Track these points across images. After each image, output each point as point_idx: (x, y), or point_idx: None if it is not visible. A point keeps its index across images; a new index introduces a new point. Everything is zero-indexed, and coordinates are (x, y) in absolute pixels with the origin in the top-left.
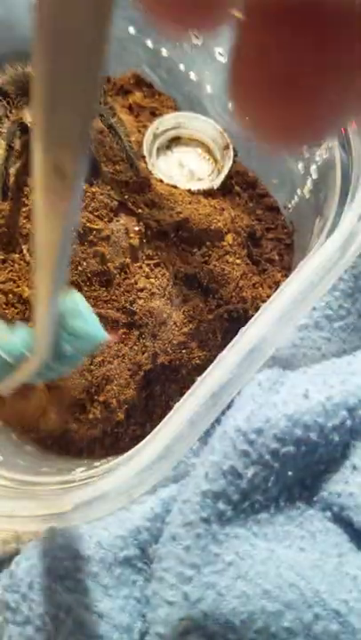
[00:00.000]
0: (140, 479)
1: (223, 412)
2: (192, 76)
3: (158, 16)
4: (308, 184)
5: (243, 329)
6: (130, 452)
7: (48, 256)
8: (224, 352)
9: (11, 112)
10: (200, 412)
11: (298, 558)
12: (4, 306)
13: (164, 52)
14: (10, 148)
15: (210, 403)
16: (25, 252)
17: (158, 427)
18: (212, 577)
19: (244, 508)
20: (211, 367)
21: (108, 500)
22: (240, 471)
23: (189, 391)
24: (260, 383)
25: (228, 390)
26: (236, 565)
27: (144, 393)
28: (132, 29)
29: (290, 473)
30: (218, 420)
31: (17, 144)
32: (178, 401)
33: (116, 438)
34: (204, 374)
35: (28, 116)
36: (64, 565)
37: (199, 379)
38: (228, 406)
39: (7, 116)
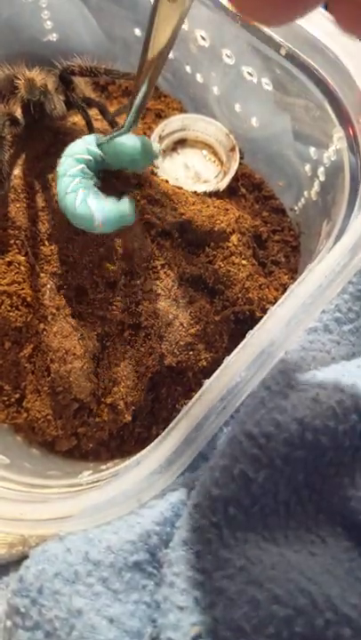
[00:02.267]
0: (149, 483)
1: (232, 416)
2: (198, 77)
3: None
4: (316, 186)
5: (251, 331)
6: (137, 457)
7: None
8: (232, 355)
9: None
10: (209, 415)
11: (309, 563)
12: (9, 308)
13: (171, 54)
14: (1, 137)
15: (219, 406)
16: (30, 254)
17: (166, 430)
18: (223, 582)
19: (254, 512)
20: (219, 370)
21: (117, 503)
22: (250, 475)
23: (197, 395)
24: (270, 387)
25: (237, 394)
26: (247, 570)
27: (150, 395)
28: (137, 31)
29: (300, 477)
30: (227, 424)
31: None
32: (184, 403)
33: (121, 441)
34: (212, 377)
35: (18, 111)
36: (74, 570)
37: (207, 382)
38: (238, 410)
39: None
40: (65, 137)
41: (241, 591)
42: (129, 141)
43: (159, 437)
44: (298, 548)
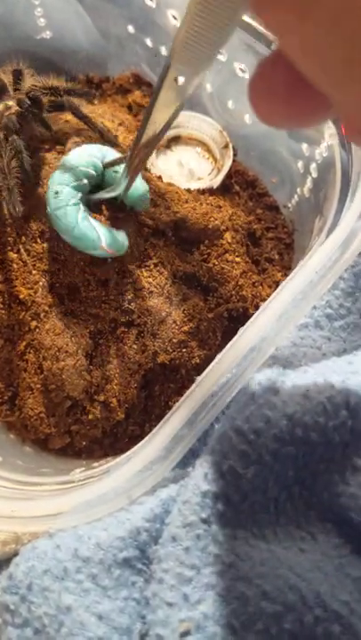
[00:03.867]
0: (139, 479)
1: (223, 412)
2: None
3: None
4: (308, 183)
5: (242, 328)
6: (128, 453)
7: (156, 131)
8: (223, 351)
9: None
10: (199, 412)
11: (298, 559)
12: (1, 306)
13: (164, 50)
14: None
15: (209, 403)
16: (22, 251)
17: (157, 427)
18: (212, 578)
19: (243, 508)
20: (210, 366)
21: (108, 500)
22: (240, 471)
23: (188, 391)
24: (260, 383)
25: (227, 390)
26: (236, 566)
27: (143, 393)
28: (131, 28)
29: (290, 473)
30: (217, 420)
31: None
32: (177, 401)
33: (115, 438)
34: (203, 373)
35: None
36: (63, 566)
37: (198, 378)
38: (228, 406)
39: None
40: (57, 133)
41: (230, 587)
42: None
43: (150, 434)
44: (288, 544)
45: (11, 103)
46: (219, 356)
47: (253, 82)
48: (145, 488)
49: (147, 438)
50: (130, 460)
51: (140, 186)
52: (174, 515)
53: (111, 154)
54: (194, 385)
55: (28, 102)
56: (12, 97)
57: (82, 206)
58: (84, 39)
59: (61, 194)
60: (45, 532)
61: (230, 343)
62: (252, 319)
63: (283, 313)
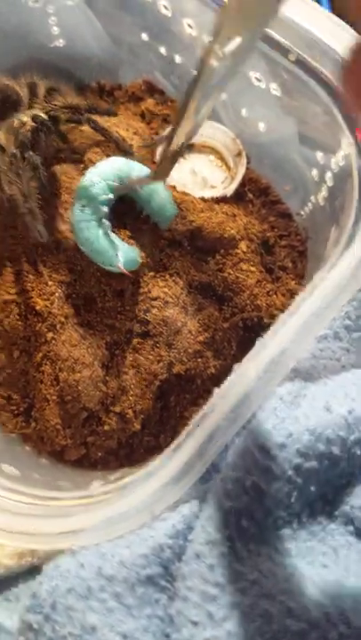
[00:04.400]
0: (161, 495)
1: (244, 427)
2: None
3: None
4: (323, 191)
5: (262, 340)
6: (148, 469)
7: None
8: (243, 364)
9: None
10: (221, 427)
11: (321, 575)
12: (17, 317)
13: (178, 58)
14: None
15: (231, 417)
16: (38, 262)
17: (177, 441)
18: (237, 595)
19: (267, 524)
20: (230, 380)
21: (130, 516)
22: (263, 487)
23: (208, 405)
24: (282, 397)
25: (249, 404)
26: (260, 583)
27: (159, 403)
28: (145, 36)
29: (312, 488)
30: (239, 435)
31: (0, 162)
32: (192, 411)
33: (130, 449)
34: (222, 387)
35: (3, 138)
36: (87, 585)
37: (217, 391)
38: (249, 421)
39: None
40: (73, 142)
41: (254, 605)
42: (168, 199)
43: (170, 448)
44: (310, 559)
45: (25, 119)
46: (238, 369)
47: (348, 68)
48: (167, 504)
49: (167, 453)
50: (151, 475)
51: (170, 207)
52: (197, 532)
53: (138, 168)
54: (214, 397)
55: (45, 118)
56: (27, 111)
57: (105, 221)
58: (96, 46)
59: (87, 207)
60: (68, 549)
61: (250, 355)
62: (271, 331)
63: (304, 326)
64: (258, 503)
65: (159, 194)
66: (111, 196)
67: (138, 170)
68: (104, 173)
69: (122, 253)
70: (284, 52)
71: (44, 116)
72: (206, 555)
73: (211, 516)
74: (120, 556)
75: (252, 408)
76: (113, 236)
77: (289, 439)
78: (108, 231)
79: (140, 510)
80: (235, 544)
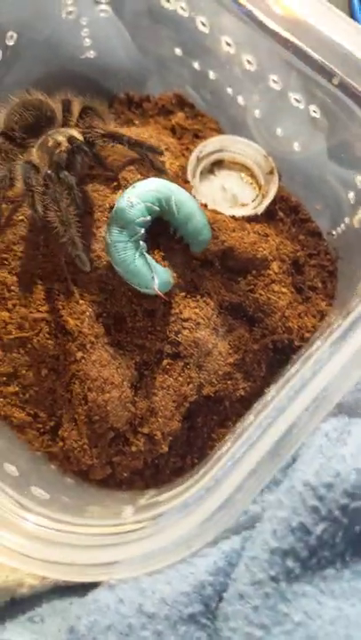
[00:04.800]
0: (200, 531)
1: (289, 466)
2: (240, 100)
3: None
4: (360, 214)
5: (303, 372)
6: (186, 499)
7: None
8: (283, 394)
9: (18, 155)
10: (263, 462)
11: None
12: (47, 335)
13: (212, 74)
14: (31, 190)
15: (273, 452)
16: (69, 280)
17: (215, 471)
18: (281, 637)
19: (311, 564)
20: (271, 412)
21: (167, 552)
22: (309, 528)
23: (246, 437)
24: (328, 434)
25: (292, 440)
26: (306, 626)
27: (186, 424)
28: (178, 51)
29: (357, 528)
30: (285, 474)
31: (34, 182)
32: (219, 433)
33: (156, 470)
34: (261, 418)
35: (36, 157)
36: (128, 622)
37: (254, 421)
38: (295, 459)
39: (11, 158)
40: (106, 159)
41: None
42: (205, 223)
43: (209, 480)
44: (354, 601)
45: (61, 138)
46: (276, 398)
47: None
48: (207, 539)
49: (206, 485)
50: (188, 508)
51: (206, 231)
52: (241, 571)
53: (176, 190)
54: (252, 429)
55: (83, 142)
56: (61, 130)
57: (142, 243)
58: (125, 58)
59: (126, 229)
60: (106, 583)
61: (293, 386)
62: (307, 357)
63: (351, 359)
64: (303, 543)
65: (196, 217)
66: (149, 218)
67: (176, 192)
68: (143, 195)
69: (157, 275)
70: (328, 75)
71: (81, 138)
72: (251, 595)
73: (256, 557)
74: (161, 593)
75: (295, 444)
76: (148, 257)
77: (336, 479)
78: (145, 253)
79: (178, 545)
80: (280, 584)
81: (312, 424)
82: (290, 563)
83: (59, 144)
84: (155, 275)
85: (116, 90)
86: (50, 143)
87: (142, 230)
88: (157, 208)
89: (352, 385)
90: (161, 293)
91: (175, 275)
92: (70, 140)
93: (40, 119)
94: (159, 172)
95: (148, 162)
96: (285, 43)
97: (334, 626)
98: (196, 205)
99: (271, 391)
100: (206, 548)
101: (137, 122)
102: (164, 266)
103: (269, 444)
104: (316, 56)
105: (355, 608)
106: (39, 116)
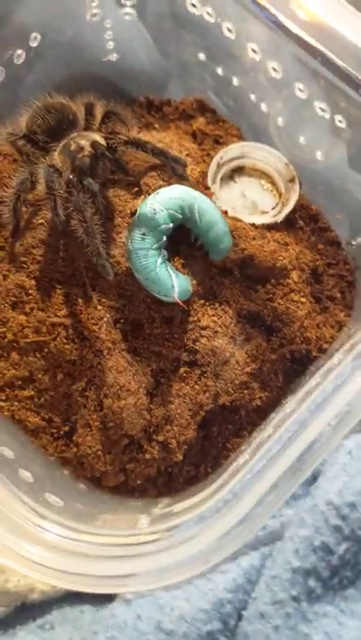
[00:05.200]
0: (218, 546)
1: (311, 483)
2: (263, 107)
3: None
4: None
5: (325, 385)
6: (202, 512)
7: None
8: (303, 407)
9: (40, 158)
10: (284, 476)
11: None
12: (65, 340)
13: (236, 81)
14: (53, 194)
15: (295, 468)
16: (88, 286)
17: (233, 486)
18: None
19: (333, 584)
20: (291, 426)
21: (184, 565)
22: (332, 547)
23: (265, 450)
24: (351, 452)
25: (314, 455)
26: None
27: (201, 433)
28: (202, 56)
29: None
30: (307, 491)
31: (57, 185)
32: (234, 443)
33: (169, 478)
34: (285, 436)
35: (58, 160)
36: (146, 639)
37: (273, 434)
38: (316, 476)
39: (33, 161)
40: (127, 164)
41: None
42: (226, 231)
43: (227, 493)
44: None
45: (83, 143)
46: (297, 412)
47: None
48: (225, 554)
49: (224, 498)
50: (205, 521)
51: (227, 239)
52: (262, 590)
53: (200, 198)
54: (271, 442)
55: (106, 147)
56: (84, 133)
57: (163, 251)
58: (147, 61)
59: (148, 235)
60: (120, 595)
61: (314, 400)
62: (327, 370)
63: None
64: (325, 563)
65: (218, 225)
66: (171, 225)
67: (199, 200)
68: (166, 202)
69: (177, 284)
70: (355, 85)
71: (104, 144)
72: (272, 615)
73: (277, 576)
74: (180, 610)
75: (317, 459)
76: (169, 265)
77: (360, 498)
78: (166, 261)
79: (196, 559)
80: (301, 604)
81: (335, 440)
82: (312, 582)
83: (82, 148)
84: (175, 283)
85: (137, 93)
86: (72, 147)
87: (164, 238)
88: (180, 216)
89: None
90: (180, 302)
91: (194, 282)
92: (93, 145)
93: (62, 122)
94: (181, 178)
95: (170, 169)
96: (312, 50)
97: None
98: (219, 213)
99: (290, 403)
100: (225, 565)
101: (157, 125)
102: (184, 273)
103: (291, 458)
104: (343, 65)
105: None
106: (61, 119)
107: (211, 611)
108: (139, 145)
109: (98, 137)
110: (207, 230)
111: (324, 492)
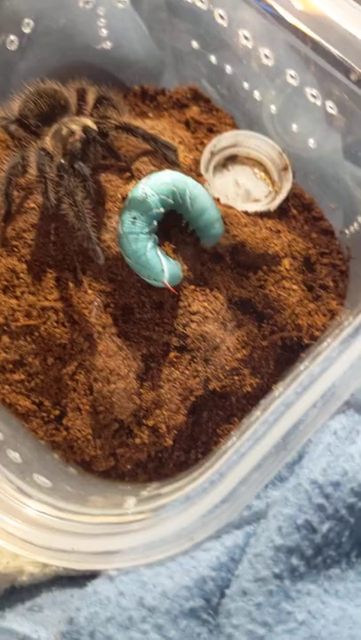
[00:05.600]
0: (202, 523)
1: (296, 463)
2: (256, 94)
3: None
4: None
5: (310, 368)
6: (188, 492)
7: None
8: (290, 389)
9: (32, 142)
10: (268, 456)
11: None
12: (55, 324)
13: (229, 69)
14: (44, 177)
15: (280, 447)
16: (78, 270)
17: (219, 465)
18: (285, 636)
19: (316, 563)
20: (278, 407)
21: (169, 542)
22: (315, 526)
23: (251, 431)
24: (336, 432)
25: (299, 435)
26: (309, 625)
27: (191, 418)
28: (195, 44)
29: None
30: (291, 471)
31: (48, 169)
32: (224, 429)
33: (159, 463)
34: (267, 413)
35: (49, 144)
36: (128, 615)
37: (260, 417)
38: (301, 456)
39: (24, 146)
40: (119, 150)
41: None
42: (217, 218)
43: (213, 474)
44: (359, 602)
45: (74, 127)
46: (284, 394)
47: None
48: (208, 532)
49: (210, 478)
50: (191, 500)
51: (218, 225)
52: (245, 568)
53: (192, 184)
54: (258, 424)
55: (97, 132)
56: (75, 119)
57: (154, 235)
58: (141, 50)
59: (139, 220)
60: (104, 572)
61: (301, 382)
62: (316, 354)
63: (360, 358)
64: (308, 541)
65: (209, 211)
66: (162, 210)
67: (191, 186)
68: (158, 187)
69: (167, 268)
70: (346, 70)
71: (95, 128)
72: (254, 592)
73: (260, 553)
74: (162, 587)
75: (302, 440)
76: (160, 250)
77: (344, 477)
78: (156, 245)
79: (180, 536)
80: (284, 582)
81: (319, 420)
82: (295, 560)
83: (73, 133)
84: (165, 267)
85: (131, 82)
86: (64, 131)
87: (155, 222)
88: (171, 201)
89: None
90: (170, 287)
91: (185, 268)
92: (85, 129)
93: (54, 107)
94: (173, 165)
95: (161, 155)
96: (304, 37)
97: (338, 626)
98: (210, 199)
99: (279, 388)
100: (209, 543)
101: (151, 115)
102: (175, 259)
103: (275, 438)
104: (334, 51)
105: (359, 609)
106: (53, 104)
107: (193, 588)
108: (130, 130)
109: (89, 122)
110: (198, 216)
111: (309, 470)
